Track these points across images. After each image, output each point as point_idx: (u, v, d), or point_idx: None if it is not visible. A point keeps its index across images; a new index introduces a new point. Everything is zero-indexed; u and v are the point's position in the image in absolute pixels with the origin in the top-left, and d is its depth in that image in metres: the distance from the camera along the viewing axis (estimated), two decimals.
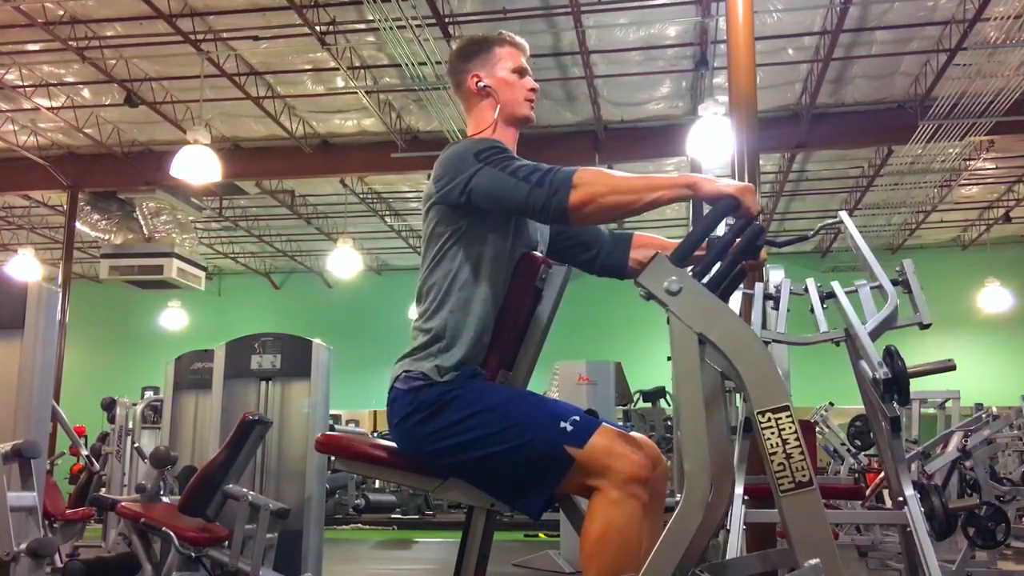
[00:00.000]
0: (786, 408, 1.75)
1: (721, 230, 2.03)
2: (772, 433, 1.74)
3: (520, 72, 2.30)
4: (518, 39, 2.35)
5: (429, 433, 2.02)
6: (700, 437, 1.78)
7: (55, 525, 5.62)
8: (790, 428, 1.74)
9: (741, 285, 2.83)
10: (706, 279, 1.86)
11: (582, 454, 1.91)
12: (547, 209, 1.93)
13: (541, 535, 9.41)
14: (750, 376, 1.77)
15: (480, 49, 2.31)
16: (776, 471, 1.74)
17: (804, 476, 1.73)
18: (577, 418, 1.95)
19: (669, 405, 10.25)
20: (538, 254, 2.19)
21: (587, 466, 1.91)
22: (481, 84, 2.27)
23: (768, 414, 1.75)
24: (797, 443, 1.73)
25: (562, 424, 1.93)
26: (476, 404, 2.00)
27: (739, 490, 3.22)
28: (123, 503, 4.73)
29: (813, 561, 1.69)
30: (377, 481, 12.25)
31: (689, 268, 1.84)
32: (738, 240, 1.94)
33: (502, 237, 2.13)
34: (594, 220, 1.99)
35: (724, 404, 2.32)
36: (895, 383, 2.36)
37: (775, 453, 1.73)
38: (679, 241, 1.94)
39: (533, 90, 2.31)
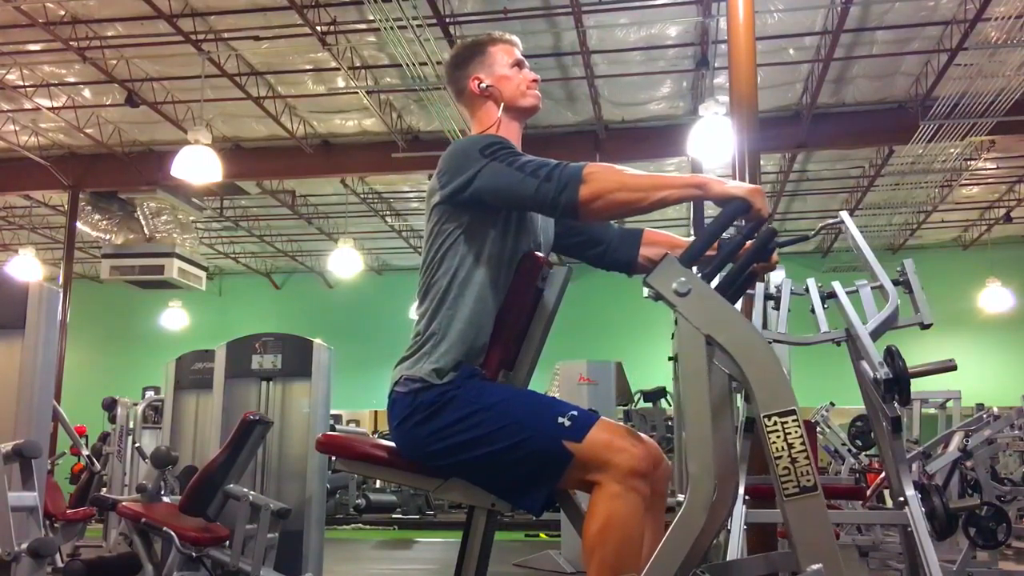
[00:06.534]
0: (792, 412, 1.74)
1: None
2: (778, 437, 1.74)
3: (518, 65, 2.30)
4: (508, 35, 2.35)
5: (429, 434, 2.02)
6: (705, 439, 1.77)
7: (56, 525, 5.63)
8: (796, 432, 1.73)
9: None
10: (715, 282, 1.86)
11: (581, 449, 1.91)
12: (557, 204, 1.93)
13: (542, 535, 9.41)
14: (757, 379, 1.76)
15: (474, 52, 2.31)
16: (781, 475, 1.73)
17: (809, 481, 1.72)
18: (575, 413, 1.95)
19: (670, 405, 10.25)
20: (539, 254, 2.18)
21: (587, 461, 1.91)
22: (483, 85, 2.27)
23: (775, 418, 1.74)
24: (803, 448, 1.73)
25: (560, 419, 1.93)
26: (474, 403, 2.00)
27: (740, 490, 3.22)
28: (124, 503, 4.74)
29: (816, 566, 1.69)
30: (378, 481, 12.25)
31: (696, 270, 1.84)
32: (749, 243, 1.94)
33: (505, 235, 2.13)
34: (602, 216, 1.98)
35: (731, 407, 2.33)
36: (896, 383, 2.37)
37: (780, 457, 1.73)
38: (689, 240, 1.93)
39: (535, 80, 2.31)
